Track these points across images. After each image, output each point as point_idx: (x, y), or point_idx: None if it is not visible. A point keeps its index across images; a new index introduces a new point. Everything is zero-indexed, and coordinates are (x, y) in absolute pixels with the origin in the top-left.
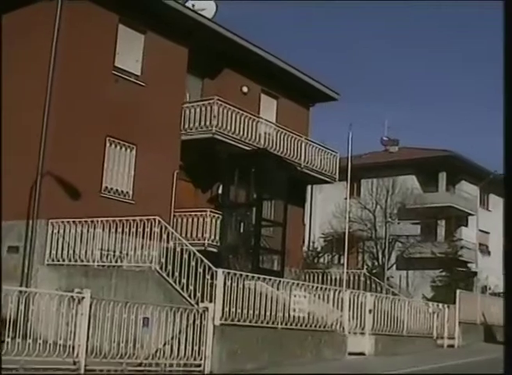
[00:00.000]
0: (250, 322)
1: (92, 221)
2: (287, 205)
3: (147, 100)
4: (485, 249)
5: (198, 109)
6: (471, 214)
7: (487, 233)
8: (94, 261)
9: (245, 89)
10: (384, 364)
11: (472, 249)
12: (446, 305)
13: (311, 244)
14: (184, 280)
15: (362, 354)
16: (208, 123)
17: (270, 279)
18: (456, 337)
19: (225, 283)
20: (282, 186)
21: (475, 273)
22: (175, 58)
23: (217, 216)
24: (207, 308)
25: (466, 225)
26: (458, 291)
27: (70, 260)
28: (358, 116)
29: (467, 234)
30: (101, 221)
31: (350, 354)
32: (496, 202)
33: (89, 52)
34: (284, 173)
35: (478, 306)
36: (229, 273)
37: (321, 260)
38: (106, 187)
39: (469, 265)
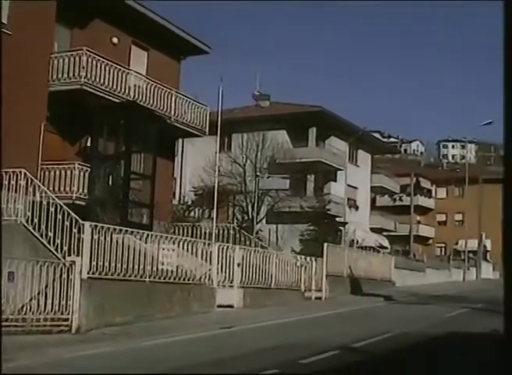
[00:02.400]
0: (118, 275)
1: None
2: (156, 158)
3: (14, 49)
4: (353, 204)
5: (67, 60)
6: (339, 169)
7: (355, 188)
8: None
9: (115, 40)
10: (252, 316)
11: (340, 204)
12: (313, 258)
13: (182, 197)
14: (51, 234)
15: (231, 306)
16: (76, 74)
17: (138, 232)
18: (323, 289)
19: (92, 237)
20: (152, 139)
21: (343, 227)
22: (43, 6)
23: (85, 168)
24: (74, 262)
25: (335, 180)
26: (326, 245)
27: None
28: (231, 71)
29: (336, 189)
30: None
31: (219, 306)
32: (364, 158)
33: None
34: (154, 125)
35: (345, 259)
36: (96, 227)
37: (192, 214)
38: None
39: (337, 219)
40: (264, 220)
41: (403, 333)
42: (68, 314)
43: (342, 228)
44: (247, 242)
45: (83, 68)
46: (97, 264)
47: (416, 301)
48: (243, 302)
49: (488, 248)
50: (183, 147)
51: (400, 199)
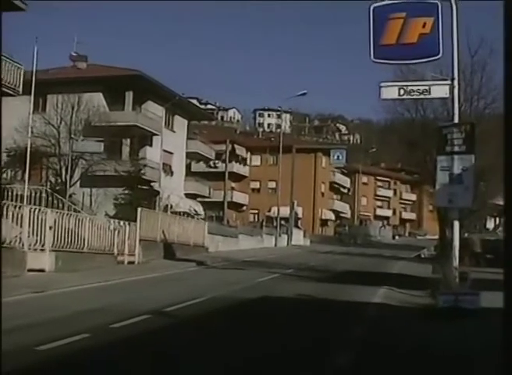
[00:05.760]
0: None
1: None
2: None
3: None
4: (168, 169)
5: None
6: (155, 134)
7: (171, 153)
8: None
9: None
10: (64, 280)
11: (156, 168)
12: (127, 223)
13: None
14: None
15: (42, 270)
16: None
17: None
18: (136, 253)
19: None
20: None
21: (158, 192)
22: None
23: None
24: None
25: (150, 145)
26: (139, 209)
27: None
28: (48, 31)
29: (152, 154)
30: None
31: (30, 270)
32: (181, 124)
33: None
34: None
35: (159, 224)
36: None
37: (4, 175)
38: None
39: (152, 184)
40: (78, 184)
41: (213, 298)
42: None
43: (157, 193)
44: (60, 205)
45: None
46: None
47: (228, 266)
48: (55, 266)
49: (300, 215)
50: None
51: (215, 166)
